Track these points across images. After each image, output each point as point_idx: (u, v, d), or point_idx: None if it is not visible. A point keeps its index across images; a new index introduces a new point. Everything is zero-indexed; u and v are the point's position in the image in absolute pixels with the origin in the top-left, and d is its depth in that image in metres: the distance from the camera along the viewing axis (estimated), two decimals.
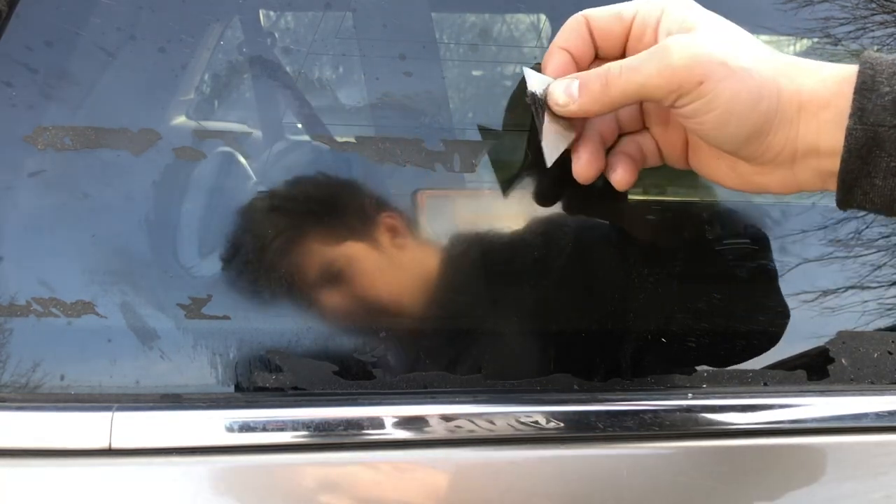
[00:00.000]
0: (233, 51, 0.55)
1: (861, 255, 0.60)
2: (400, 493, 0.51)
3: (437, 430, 0.52)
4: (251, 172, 0.55)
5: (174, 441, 0.50)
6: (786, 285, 0.58)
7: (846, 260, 0.60)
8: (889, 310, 0.60)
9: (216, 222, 0.54)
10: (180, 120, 0.55)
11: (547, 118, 0.44)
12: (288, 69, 0.55)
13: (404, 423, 0.51)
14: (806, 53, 0.63)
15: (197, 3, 0.53)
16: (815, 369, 0.58)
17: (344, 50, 0.55)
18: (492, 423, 0.52)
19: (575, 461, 0.53)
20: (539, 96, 0.43)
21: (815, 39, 0.62)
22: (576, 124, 0.44)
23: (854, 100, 0.36)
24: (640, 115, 0.48)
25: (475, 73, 0.59)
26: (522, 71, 0.45)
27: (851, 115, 0.36)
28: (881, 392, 0.57)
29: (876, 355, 0.59)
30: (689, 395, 0.55)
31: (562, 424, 0.53)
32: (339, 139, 0.54)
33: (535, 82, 0.44)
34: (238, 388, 0.53)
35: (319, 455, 0.51)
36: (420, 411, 0.52)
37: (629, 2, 0.44)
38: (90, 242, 0.52)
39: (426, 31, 0.57)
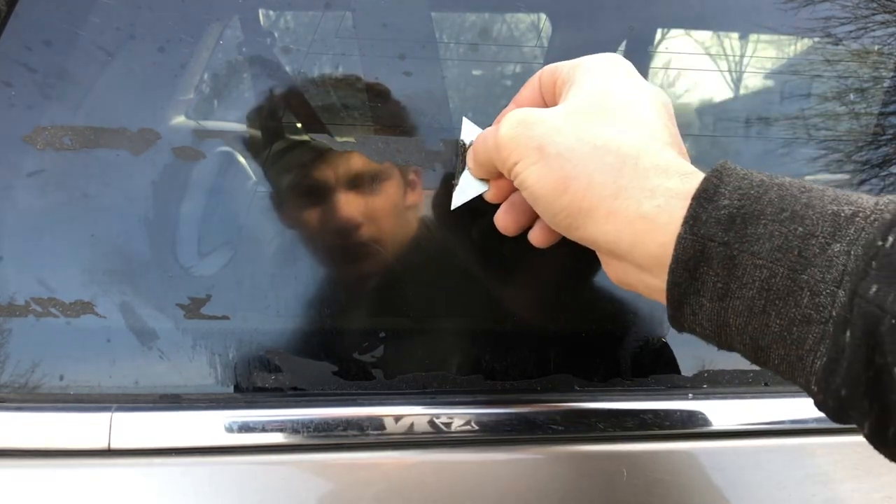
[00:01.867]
0: (232, 51, 0.55)
1: None
2: (400, 493, 0.51)
3: (437, 430, 0.52)
4: (251, 172, 0.55)
5: (173, 441, 0.50)
6: None
7: None
8: None
9: (216, 222, 0.54)
10: (180, 120, 0.55)
11: (464, 168, 0.48)
12: (288, 69, 0.55)
13: (404, 423, 0.51)
14: (806, 53, 0.63)
15: (197, 2, 0.53)
16: None
17: (344, 50, 0.55)
18: (491, 423, 0.52)
19: (575, 461, 0.53)
20: (464, 146, 0.49)
21: (816, 39, 0.61)
22: (490, 182, 0.47)
23: (690, 206, 0.33)
24: None
25: (475, 72, 0.59)
26: (462, 120, 0.50)
27: (684, 223, 0.33)
28: None
29: None
30: (690, 395, 0.55)
31: (562, 424, 0.53)
32: (338, 139, 0.54)
33: (467, 133, 0.49)
34: (237, 388, 0.53)
35: (319, 455, 0.51)
36: (420, 411, 0.52)
37: (571, 60, 0.43)
38: (89, 242, 0.52)
39: (426, 31, 0.57)
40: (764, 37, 0.63)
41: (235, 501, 0.50)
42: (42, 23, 0.52)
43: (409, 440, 0.52)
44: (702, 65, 0.62)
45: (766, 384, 0.58)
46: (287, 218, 0.55)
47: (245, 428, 0.50)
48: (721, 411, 0.55)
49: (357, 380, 0.54)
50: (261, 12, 0.56)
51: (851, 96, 0.62)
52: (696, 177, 0.35)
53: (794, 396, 0.57)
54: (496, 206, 0.47)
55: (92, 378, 0.52)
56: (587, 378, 0.56)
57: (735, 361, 0.58)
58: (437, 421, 0.52)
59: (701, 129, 0.66)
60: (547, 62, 0.59)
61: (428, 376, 0.55)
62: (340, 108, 0.55)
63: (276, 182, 0.55)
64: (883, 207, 0.30)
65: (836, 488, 0.55)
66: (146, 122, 0.52)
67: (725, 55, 0.63)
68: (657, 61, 0.61)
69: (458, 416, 0.52)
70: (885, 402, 0.28)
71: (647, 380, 0.57)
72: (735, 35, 0.63)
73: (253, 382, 0.53)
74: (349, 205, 0.55)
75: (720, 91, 0.65)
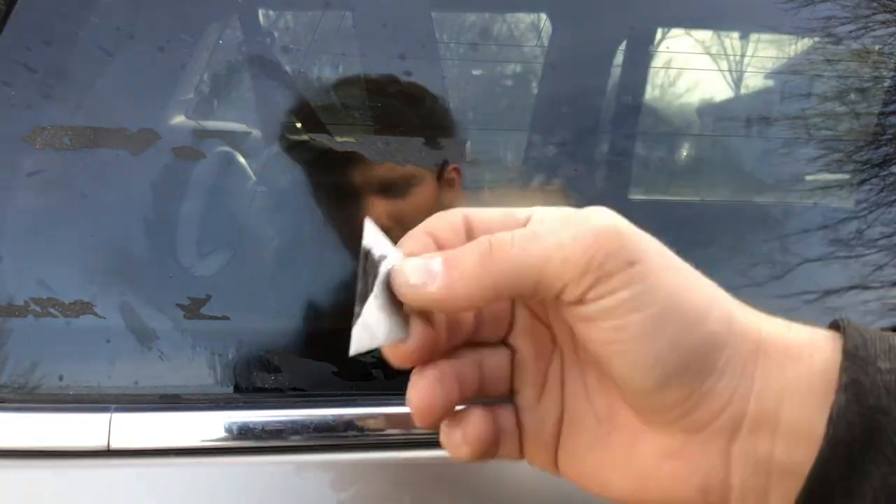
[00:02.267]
0: (232, 50, 0.55)
1: (863, 255, 0.60)
2: (400, 493, 0.51)
3: (437, 430, 0.51)
4: (251, 172, 0.55)
5: (173, 442, 0.50)
6: (787, 285, 0.58)
7: (848, 260, 0.60)
8: (891, 310, 0.60)
9: (215, 222, 0.54)
10: (180, 120, 0.55)
11: (378, 295, 0.28)
12: (287, 69, 0.55)
13: (404, 423, 0.51)
14: (806, 53, 0.63)
15: (197, 2, 0.53)
16: None
17: (344, 50, 0.55)
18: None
19: None
20: (376, 261, 0.28)
21: (816, 39, 0.61)
22: (416, 325, 0.29)
23: (844, 366, 0.24)
24: (508, 369, 0.32)
25: (475, 72, 0.59)
26: (365, 222, 0.29)
27: (842, 388, 0.24)
28: None
29: None
30: None
31: None
32: (338, 139, 0.54)
33: (377, 243, 0.29)
34: (237, 388, 0.53)
35: (319, 456, 0.51)
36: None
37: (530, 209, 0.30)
38: (89, 242, 0.52)
39: (426, 31, 0.57)
40: (764, 37, 0.63)
41: (235, 502, 0.50)
42: (42, 23, 0.52)
43: (410, 440, 0.52)
44: (702, 65, 0.62)
45: None
46: (290, 217, 0.55)
47: (245, 428, 0.50)
48: None
49: (357, 380, 0.54)
50: (261, 12, 0.56)
51: (852, 96, 0.62)
52: (798, 326, 0.27)
53: None
54: None
55: (91, 378, 0.52)
56: None
57: None
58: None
59: (701, 129, 0.66)
60: (547, 62, 0.59)
61: None
62: (340, 108, 0.55)
63: (278, 181, 0.55)
64: None
65: None
66: (146, 122, 0.52)
67: (726, 55, 0.63)
68: (657, 61, 0.61)
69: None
70: None
71: None
72: (735, 35, 0.63)
73: (253, 383, 0.53)
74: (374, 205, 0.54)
75: (720, 91, 0.65)
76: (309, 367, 0.54)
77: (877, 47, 0.62)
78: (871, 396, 0.23)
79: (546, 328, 0.32)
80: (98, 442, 0.48)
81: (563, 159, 0.58)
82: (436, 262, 0.27)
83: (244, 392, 0.53)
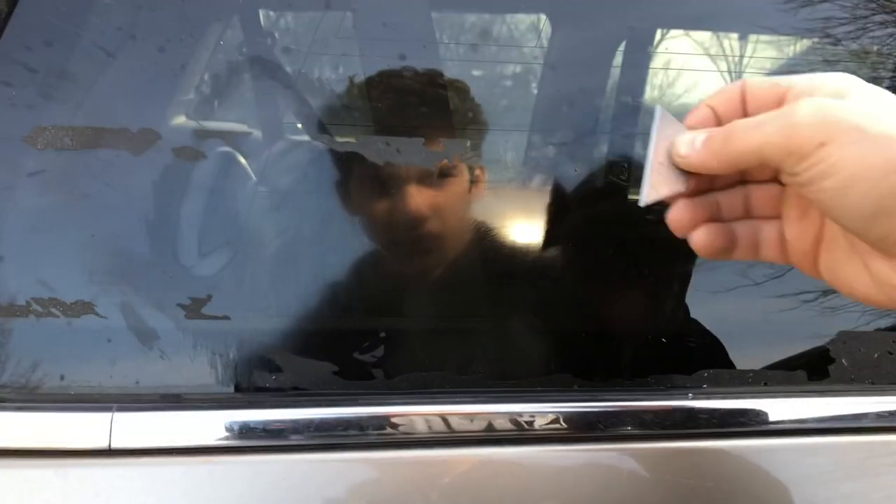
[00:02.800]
0: (233, 51, 0.55)
1: None
2: (400, 493, 0.51)
3: (437, 429, 0.52)
4: (251, 172, 0.55)
5: (174, 441, 0.50)
6: (786, 285, 0.58)
7: None
8: (889, 310, 0.60)
9: (216, 222, 0.54)
10: (180, 120, 0.55)
11: (659, 161, 0.42)
12: (288, 69, 0.55)
13: (404, 423, 0.51)
14: (806, 53, 0.63)
15: (197, 2, 0.53)
16: (816, 369, 0.58)
17: (344, 50, 0.55)
18: (491, 423, 0.52)
19: (575, 461, 0.53)
20: (657, 138, 0.42)
21: (815, 39, 0.62)
22: (690, 180, 0.42)
23: None
24: (776, 201, 0.43)
25: (475, 73, 0.59)
26: (655, 108, 0.42)
27: None
28: (881, 392, 0.57)
29: (876, 356, 0.59)
30: (689, 395, 0.55)
31: (562, 424, 0.53)
32: (338, 139, 0.54)
33: (665, 124, 0.42)
34: (238, 388, 0.53)
35: (319, 455, 0.51)
36: (420, 411, 0.52)
37: (791, 76, 0.39)
38: (90, 242, 0.52)
39: (426, 31, 0.57)
40: (764, 37, 0.63)
41: (235, 501, 0.50)
42: (42, 23, 0.52)
43: (410, 440, 0.52)
44: (702, 65, 0.62)
45: (765, 384, 0.58)
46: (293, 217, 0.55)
47: (245, 428, 0.50)
48: (721, 411, 0.55)
49: (357, 380, 0.54)
50: (261, 12, 0.56)
51: None
52: None
53: (794, 397, 0.57)
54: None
55: (93, 378, 0.52)
56: (587, 378, 0.56)
57: (735, 361, 0.58)
58: (436, 420, 0.52)
59: None
60: (547, 62, 0.59)
61: (428, 376, 0.55)
62: (340, 108, 0.55)
63: (278, 182, 0.55)
64: None
65: (836, 488, 0.55)
66: (146, 123, 0.52)
67: (725, 55, 0.63)
68: (657, 61, 0.61)
69: (458, 416, 0.52)
70: None
71: (647, 380, 0.57)
72: (735, 35, 0.63)
73: (253, 382, 0.53)
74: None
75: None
76: (309, 366, 0.54)
77: (875, 48, 0.62)
78: None
79: None
80: (99, 441, 0.49)
81: (562, 159, 0.58)
82: (700, 138, 0.39)
83: (245, 392, 0.53)
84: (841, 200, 0.34)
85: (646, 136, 0.41)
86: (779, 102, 0.39)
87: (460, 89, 0.58)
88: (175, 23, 0.53)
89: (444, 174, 0.58)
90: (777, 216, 0.43)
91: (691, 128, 0.41)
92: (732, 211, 0.43)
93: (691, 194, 0.42)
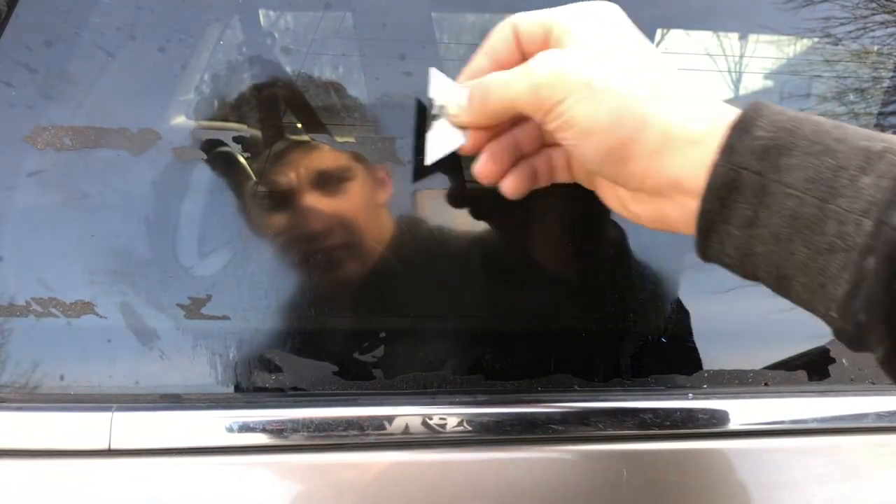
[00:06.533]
0: (233, 51, 0.55)
1: None
2: (400, 493, 0.51)
3: (437, 430, 0.52)
4: (251, 172, 0.55)
5: (174, 441, 0.50)
6: None
7: None
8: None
9: (216, 222, 0.54)
10: (180, 120, 0.55)
11: (438, 121, 0.45)
12: (288, 69, 0.55)
13: (404, 423, 0.51)
14: (806, 53, 0.63)
15: (197, 3, 0.53)
16: (816, 369, 0.58)
17: (344, 50, 0.55)
18: (492, 422, 0.52)
19: (575, 461, 0.53)
20: (437, 101, 0.45)
21: (816, 39, 0.62)
22: (467, 133, 0.45)
23: (727, 135, 0.34)
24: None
25: None
26: (429, 71, 0.46)
27: (720, 152, 0.34)
28: (881, 392, 0.57)
29: None
30: (689, 395, 0.55)
31: (562, 424, 0.53)
32: (338, 139, 0.54)
33: (440, 84, 0.45)
34: (238, 388, 0.53)
35: (319, 455, 0.51)
36: (420, 411, 0.52)
37: (553, 9, 0.42)
38: (90, 242, 0.52)
39: (426, 31, 0.57)
40: (764, 37, 0.63)
41: (235, 501, 0.50)
42: (42, 23, 0.52)
43: (410, 440, 0.52)
44: (702, 65, 0.62)
45: (765, 384, 0.58)
46: (284, 218, 0.55)
47: (245, 428, 0.50)
48: (721, 411, 0.55)
49: (357, 380, 0.54)
50: (261, 12, 0.56)
51: (851, 96, 0.63)
52: (732, 109, 0.36)
53: (794, 396, 0.57)
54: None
55: (92, 378, 0.52)
56: (587, 378, 0.56)
57: (735, 361, 0.58)
58: (437, 421, 0.52)
59: None
60: None
61: (428, 376, 0.55)
62: (340, 109, 0.55)
63: (271, 182, 0.55)
64: None
65: (836, 488, 0.55)
66: (146, 122, 0.52)
67: (725, 55, 0.63)
68: None
69: (458, 416, 0.52)
70: None
71: (647, 380, 0.57)
72: (735, 35, 0.63)
73: (253, 382, 0.53)
74: (334, 205, 0.55)
75: (720, 91, 0.65)
76: (309, 366, 0.54)
77: (875, 48, 0.62)
78: (739, 156, 0.34)
79: None
80: (99, 441, 0.49)
81: None
82: (463, 97, 0.43)
83: (245, 392, 0.53)
84: (579, 150, 0.39)
85: None
86: (545, 41, 0.42)
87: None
88: (175, 23, 0.53)
89: (341, 175, 0.56)
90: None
91: (469, 79, 0.43)
92: (532, 143, 0.47)
93: (477, 145, 0.45)
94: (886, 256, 0.30)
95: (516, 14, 0.42)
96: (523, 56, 0.43)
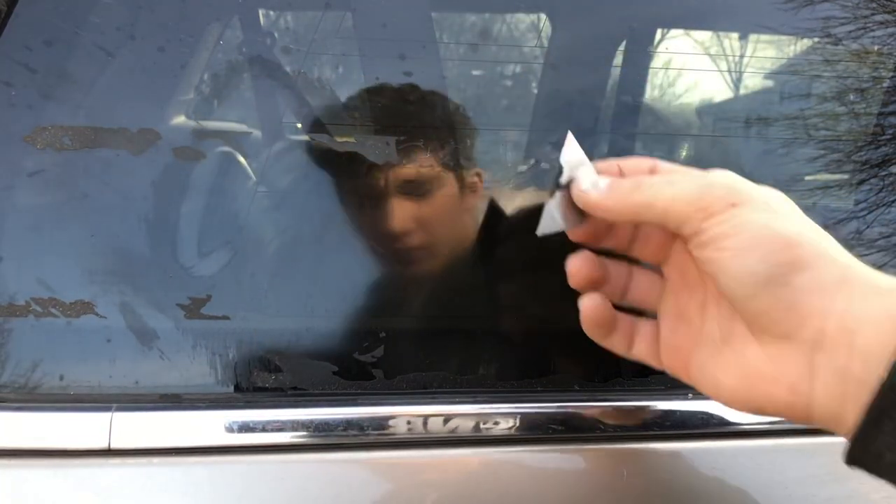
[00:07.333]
0: (232, 51, 0.55)
1: (862, 256, 0.60)
2: (400, 493, 0.51)
3: (437, 430, 0.52)
4: (251, 172, 0.55)
5: (174, 441, 0.50)
6: None
7: None
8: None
9: (216, 222, 0.54)
10: (180, 120, 0.55)
11: (562, 192, 0.41)
12: (288, 69, 0.55)
13: (404, 423, 0.51)
14: (806, 53, 0.63)
15: (197, 3, 0.53)
16: None
17: (344, 50, 0.55)
18: (491, 423, 0.52)
19: (575, 461, 0.53)
20: (566, 169, 0.41)
21: (816, 39, 0.61)
22: (585, 221, 0.41)
23: None
24: (657, 291, 0.43)
25: (475, 73, 0.59)
26: (566, 135, 0.41)
27: None
28: None
29: None
30: (689, 395, 0.55)
31: (562, 424, 0.53)
32: (338, 139, 0.54)
33: (572, 153, 0.41)
34: (238, 388, 0.53)
35: (319, 455, 0.51)
36: (420, 411, 0.52)
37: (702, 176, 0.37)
38: (90, 242, 0.52)
39: (426, 31, 0.57)
40: (764, 37, 0.63)
41: (235, 501, 0.50)
42: (42, 23, 0.52)
43: (410, 440, 0.52)
44: (702, 65, 0.62)
45: None
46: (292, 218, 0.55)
47: (245, 428, 0.50)
48: (721, 411, 0.55)
49: (357, 380, 0.54)
50: (261, 12, 0.56)
51: (851, 96, 0.62)
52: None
53: None
54: None
55: (92, 378, 0.52)
56: (587, 378, 0.56)
57: None
58: (437, 421, 0.52)
59: (701, 129, 0.66)
60: (547, 62, 0.59)
61: (428, 376, 0.55)
62: (340, 109, 0.55)
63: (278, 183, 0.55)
64: None
65: (836, 488, 0.55)
66: (146, 122, 0.52)
67: (725, 55, 0.63)
68: (657, 61, 0.61)
69: (458, 416, 0.52)
70: None
71: (647, 380, 0.57)
72: (735, 35, 0.63)
73: (253, 382, 0.53)
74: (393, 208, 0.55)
75: (720, 91, 0.65)
76: (309, 366, 0.54)
77: (876, 48, 0.62)
78: None
79: (693, 265, 0.40)
80: (99, 441, 0.49)
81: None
82: (604, 181, 0.39)
83: (245, 392, 0.53)
84: (738, 261, 0.34)
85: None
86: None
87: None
88: (175, 23, 0.53)
89: (430, 182, 0.56)
90: (653, 309, 0.43)
91: (600, 171, 0.40)
92: (616, 283, 0.43)
93: (589, 237, 0.42)
94: None
95: (658, 161, 0.41)
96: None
